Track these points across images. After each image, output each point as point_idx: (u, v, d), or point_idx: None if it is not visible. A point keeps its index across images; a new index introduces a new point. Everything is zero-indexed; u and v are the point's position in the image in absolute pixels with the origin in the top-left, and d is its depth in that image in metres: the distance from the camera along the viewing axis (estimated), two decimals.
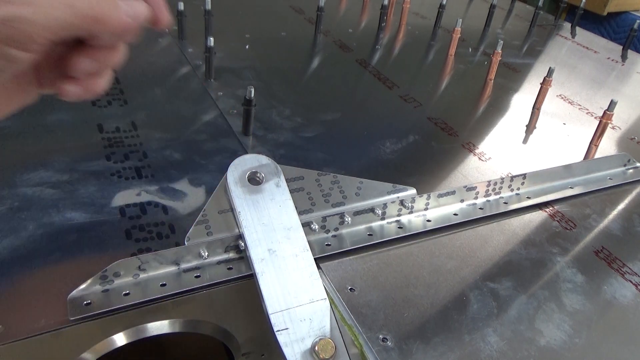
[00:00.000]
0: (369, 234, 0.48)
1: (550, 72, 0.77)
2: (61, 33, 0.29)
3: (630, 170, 0.64)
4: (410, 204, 0.50)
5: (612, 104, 0.68)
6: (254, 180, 0.45)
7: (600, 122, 0.69)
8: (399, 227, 0.49)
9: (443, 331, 0.40)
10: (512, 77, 0.90)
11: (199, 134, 0.62)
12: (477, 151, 0.66)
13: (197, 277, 0.41)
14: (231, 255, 0.43)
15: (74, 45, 0.33)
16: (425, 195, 0.51)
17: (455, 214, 0.52)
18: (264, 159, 0.46)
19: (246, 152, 0.59)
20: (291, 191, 0.45)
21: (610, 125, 0.70)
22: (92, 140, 0.58)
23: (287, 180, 0.46)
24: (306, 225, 0.45)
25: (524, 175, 0.56)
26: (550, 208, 0.56)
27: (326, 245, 0.46)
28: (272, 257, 0.41)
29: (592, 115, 0.79)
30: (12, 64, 0.27)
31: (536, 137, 0.72)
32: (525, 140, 0.71)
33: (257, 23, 0.99)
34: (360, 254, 0.46)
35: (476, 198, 0.54)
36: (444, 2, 1.06)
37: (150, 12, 0.34)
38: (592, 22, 1.99)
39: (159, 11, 0.35)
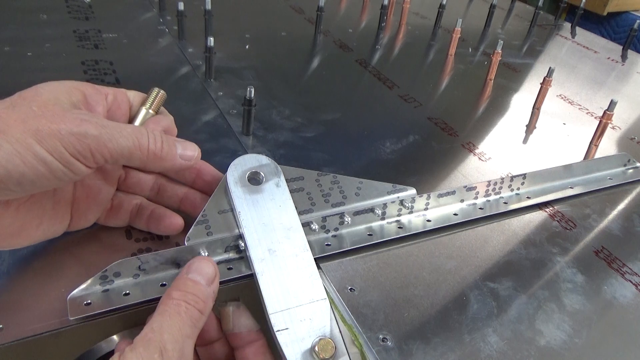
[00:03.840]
0: (368, 234, 0.48)
1: (550, 72, 0.77)
2: (119, 159, 0.34)
3: (630, 170, 0.64)
4: (410, 204, 0.50)
5: (612, 104, 0.68)
6: (254, 180, 0.45)
7: (600, 122, 0.69)
8: (399, 227, 0.49)
9: (443, 331, 0.40)
10: (512, 77, 0.91)
11: (199, 134, 0.62)
12: (477, 151, 0.67)
13: None
14: (231, 255, 0.43)
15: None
16: (425, 196, 0.51)
17: (455, 214, 0.52)
18: (264, 159, 0.46)
19: (246, 152, 0.59)
20: (291, 191, 0.45)
21: (610, 125, 0.70)
22: None
23: (287, 181, 0.46)
24: (306, 225, 0.45)
25: (524, 175, 0.56)
26: (550, 208, 0.56)
27: (326, 245, 0.46)
28: (272, 257, 0.41)
29: (592, 115, 0.80)
30: (71, 174, 0.32)
31: (536, 137, 0.72)
32: (525, 140, 0.71)
33: (257, 23, 0.99)
34: (360, 254, 0.46)
35: (476, 198, 0.54)
36: (444, 2, 1.06)
37: (199, 153, 0.41)
38: (592, 22, 1.99)
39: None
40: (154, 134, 0.36)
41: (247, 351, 0.37)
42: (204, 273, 0.34)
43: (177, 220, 0.43)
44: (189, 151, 0.39)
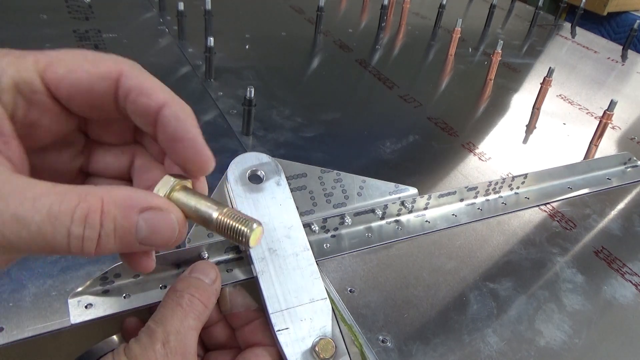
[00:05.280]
0: (367, 235, 0.48)
1: (550, 72, 0.77)
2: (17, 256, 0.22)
3: (630, 169, 0.64)
4: (411, 205, 0.50)
5: (612, 104, 0.68)
6: (254, 178, 0.45)
7: (600, 122, 0.69)
8: (398, 228, 0.49)
9: (443, 332, 0.40)
10: (512, 77, 0.90)
11: None
12: (477, 151, 0.66)
13: None
14: (231, 255, 0.43)
15: None
16: (426, 196, 0.51)
17: (454, 215, 0.52)
18: (264, 157, 0.46)
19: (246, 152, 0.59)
20: (294, 189, 0.45)
21: (610, 125, 0.70)
22: None
23: (291, 177, 0.46)
24: (307, 226, 0.45)
25: (525, 175, 0.56)
26: (550, 208, 0.56)
27: (324, 246, 0.46)
28: (272, 256, 0.41)
29: (592, 115, 0.79)
30: None
31: (536, 137, 0.72)
32: (525, 140, 0.71)
33: (257, 23, 0.99)
34: (360, 254, 0.46)
35: (476, 197, 0.54)
36: (444, 2, 1.06)
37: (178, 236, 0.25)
38: (592, 22, 1.99)
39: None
40: (84, 222, 0.21)
41: (246, 330, 0.38)
42: (206, 273, 0.34)
43: (149, 263, 0.28)
44: (161, 235, 0.24)
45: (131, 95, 0.24)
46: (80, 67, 0.24)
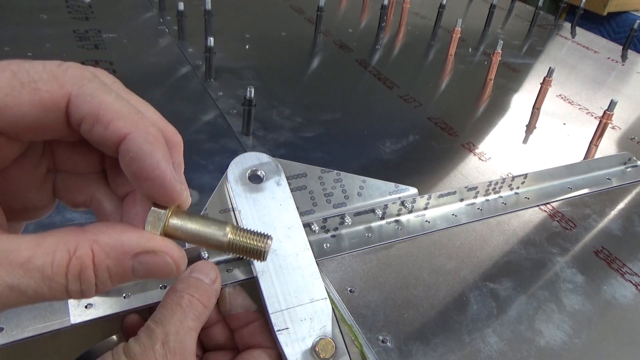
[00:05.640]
0: (367, 235, 0.48)
1: (550, 72, 0.77)
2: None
3: (630, 169, 0.64)
4: (410, 205, 0.50)
5: (612, 104, 0.68)
6: (254, 178, 0.45)
7: (600, 122, 0.69)
8: (398, 228, 0.49)
9: (443, 332, 0.40)
10: (512, 77, 0.90)
11: (199, 134, 0.62)
12: (477, 151, 0.66)
13: None
14: (231, 255, 0.43)
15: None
16: (426, 196, 0.51)
17: (454, 215, 0.52)
18: (264, 157, 0.46)
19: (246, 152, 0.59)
20: (294, 189, 0.45)
21: (610, 125, 0.70)
22: None
23: (291, 177, 0.46)
24: (307, 226, 0.45)
25: (525, 175, 0.56)
26: (550, 208, 0.56)
27: (324, 246, 0.46)
28: (272, 256, 0.41)
29: (592, 115, 0.79)
30: None
31: (536, 137, 0.72)
32: (525, 140, 0.71)
33: (257, 23, 0.99)
34: (360, 254, 0.46)
35: (476, 197, 0.54)
36: (444, 2, 1.06)
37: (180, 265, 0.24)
38: (592, 22, 1.99)
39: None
40: (78, 278, 0.21)
41: (245, 331, 0.37)
42: (206, 273, 0.34)
43: None
44: (159, 274, 0.24)
45: (85, 125, 0.21)
46: (17, 96, 0.20)
